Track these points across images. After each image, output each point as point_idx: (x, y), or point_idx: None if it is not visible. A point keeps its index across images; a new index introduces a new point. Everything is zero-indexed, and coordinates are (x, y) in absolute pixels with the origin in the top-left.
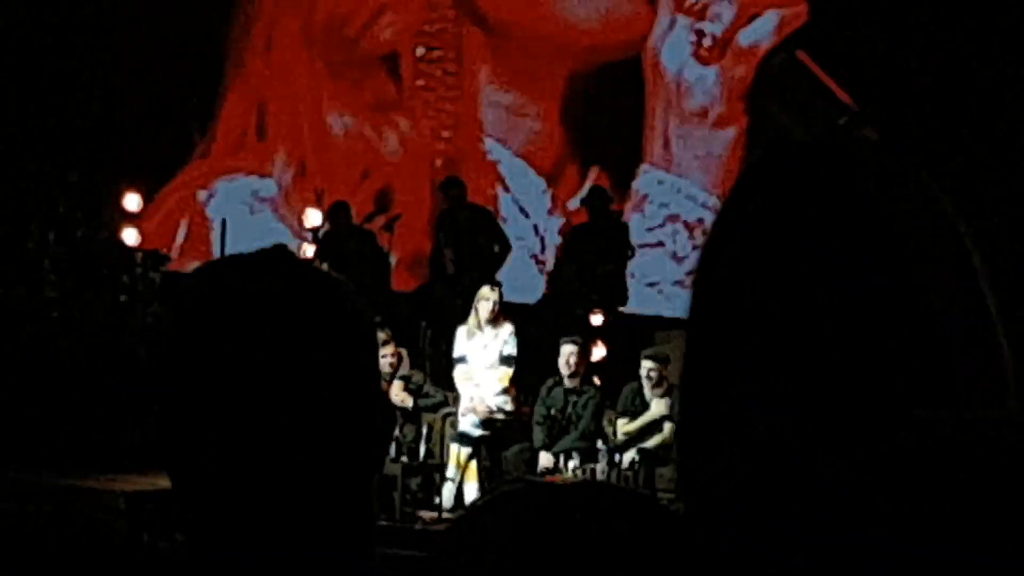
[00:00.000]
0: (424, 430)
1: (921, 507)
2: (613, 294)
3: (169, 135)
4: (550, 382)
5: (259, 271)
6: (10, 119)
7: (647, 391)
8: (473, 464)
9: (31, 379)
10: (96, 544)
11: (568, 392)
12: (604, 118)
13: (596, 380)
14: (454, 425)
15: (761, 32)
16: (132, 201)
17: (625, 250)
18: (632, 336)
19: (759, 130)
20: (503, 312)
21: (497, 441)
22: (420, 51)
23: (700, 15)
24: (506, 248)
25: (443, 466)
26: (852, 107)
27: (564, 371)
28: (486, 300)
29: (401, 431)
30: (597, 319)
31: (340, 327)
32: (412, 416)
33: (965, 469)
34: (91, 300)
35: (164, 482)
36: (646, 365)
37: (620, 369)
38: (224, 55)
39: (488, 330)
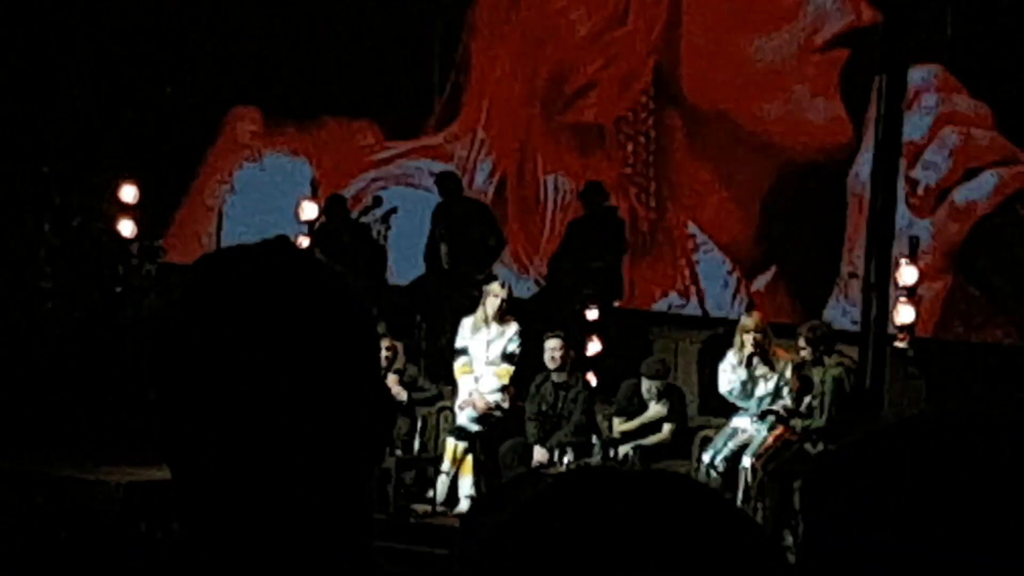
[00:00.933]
0: (419, 424)
1: (919, 507)
2: (609, 288)
3: (176, 128)
4: (539, 378)
5: (260, 262)
6: (6, 109)
7: (645, 391)
8: (469, 459)
9: (25, 369)
10: (92, 534)
11: (557, 387)
12: (802, 228)
13: (591, 375)
14: (448, 419)
15: (980, 192)
16: (128, 192)
17: (621, 244)
18: (627, 331)
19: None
20: (510, 310)
21: (493, 436)
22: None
23: (911, 157)
24: (501, 242)
25: (437, 460)
26: None
27: (551, 365)
28: (495, 297)
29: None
30: (592, 313)
31: (341, 319)
32: (407, 410)
33: (963, 468)
34: (85, 291)
35: (161, 473)
36: (646, 385)
37: (615, 363)
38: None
39: (494, 326)
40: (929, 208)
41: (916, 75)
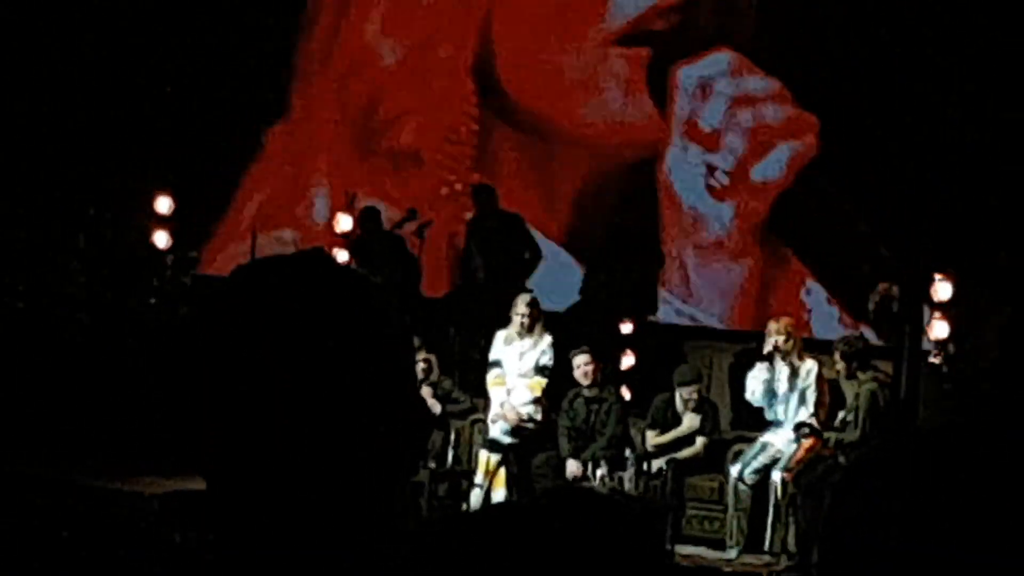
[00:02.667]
0: (452, 436)
1: (933, 510)
2: (642, 303)
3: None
4: (571, 394)
5: (297, 273)
6: (42, 121)
7: (679, 404)
8: (502, 471)
9: (59, 379)
10: (128, 545)
11: (589, 401)
12: (627, 224)
13: (625, 389)
14: (482, 432)
15: (774, 168)
16: (163, 204)
17: (655, 259)
18: (661, 345)
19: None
20: (544, 323)
21: (526, 449)
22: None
23: (712, 145)
24: (536, 255)
25: (471, 472)
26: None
27: (583, 381)
28: (517, 314)
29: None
30: (626, 328)
31: (378, 331)
32: (440, 422)
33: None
34: (119, 301)
35: (195, 484)
36: (682, 393)
37: (649, 377)
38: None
39: (527, 338)
40: (731, 191)
41: (709, 62)
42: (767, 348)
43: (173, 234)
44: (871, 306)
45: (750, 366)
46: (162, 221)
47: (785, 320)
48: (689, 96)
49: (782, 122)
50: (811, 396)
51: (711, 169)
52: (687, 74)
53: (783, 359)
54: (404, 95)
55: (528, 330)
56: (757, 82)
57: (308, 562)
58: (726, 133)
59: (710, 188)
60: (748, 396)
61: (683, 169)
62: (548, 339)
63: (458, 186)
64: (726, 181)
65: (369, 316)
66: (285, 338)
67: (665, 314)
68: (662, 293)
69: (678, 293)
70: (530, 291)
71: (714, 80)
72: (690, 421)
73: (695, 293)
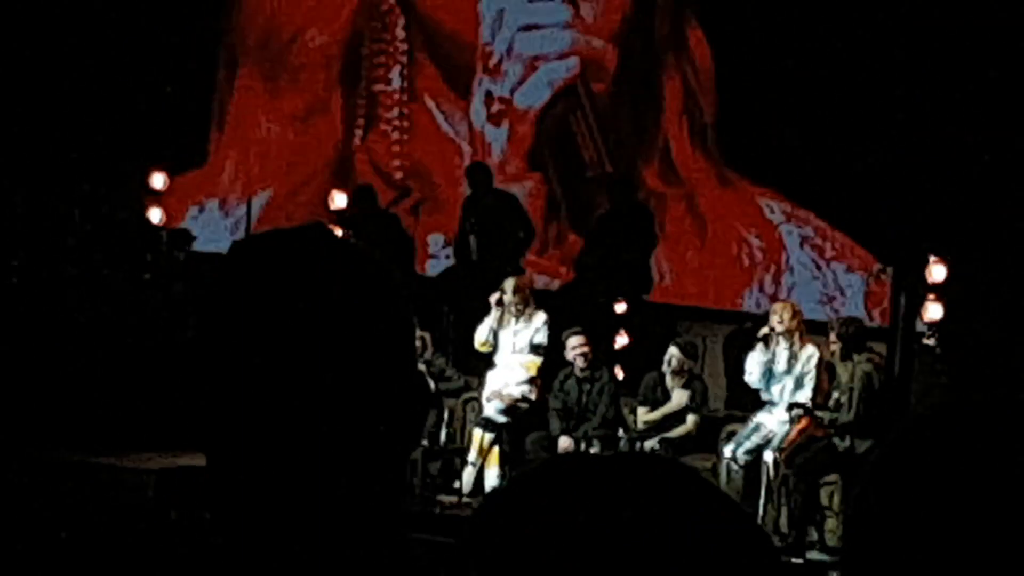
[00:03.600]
0: (445, 415)
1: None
2: (636, 282)
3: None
4: (562, 374)
5: (298, 247)
6: (37, 97)
7: (668, 380)
8: (495, 450)
9: (53, 357)
10: (123, 522)
11: (581, 381)
12: None
13: (619, 369)
14: (475, 410)
15: (534, 94)
16: (158, 180)
17: (650, 238)
18: (655, 325)
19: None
20: (536, 302)
21: (519, 427)
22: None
23: (495, 73)
24: (531, 234)
25: (464, 451)
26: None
27: (581, 363)
28: (504, 297)
29: None
30: (620, 307)
31: (379, 305)
32: (434, 401)
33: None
34: (114, 278)
35: (193, 460)
36: (672, 352)
37: (643, 358)
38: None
39: (521, 319)
40: (502, 117)
41: None
42: (764, 330)
43: (167, 210)
44: (865, 289)
45: (743, 346)
46: (157, 197)
47: (788, 303)
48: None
49: (553, 46)
50: (809, 382)
51: (488, 96)
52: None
53: (784, 341)
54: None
55: (517, 314)
56: (542, 7)
57: (308, 543)
58: (509, 60)
59: (488, 116)
60: (746, 377)
61: (476, 98)
62: (542, 316)
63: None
64: (497, 106)
65: (370, 290)
66: (285, 313)
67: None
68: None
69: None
70: (523, 272)
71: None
72: (679, 397)
73: None
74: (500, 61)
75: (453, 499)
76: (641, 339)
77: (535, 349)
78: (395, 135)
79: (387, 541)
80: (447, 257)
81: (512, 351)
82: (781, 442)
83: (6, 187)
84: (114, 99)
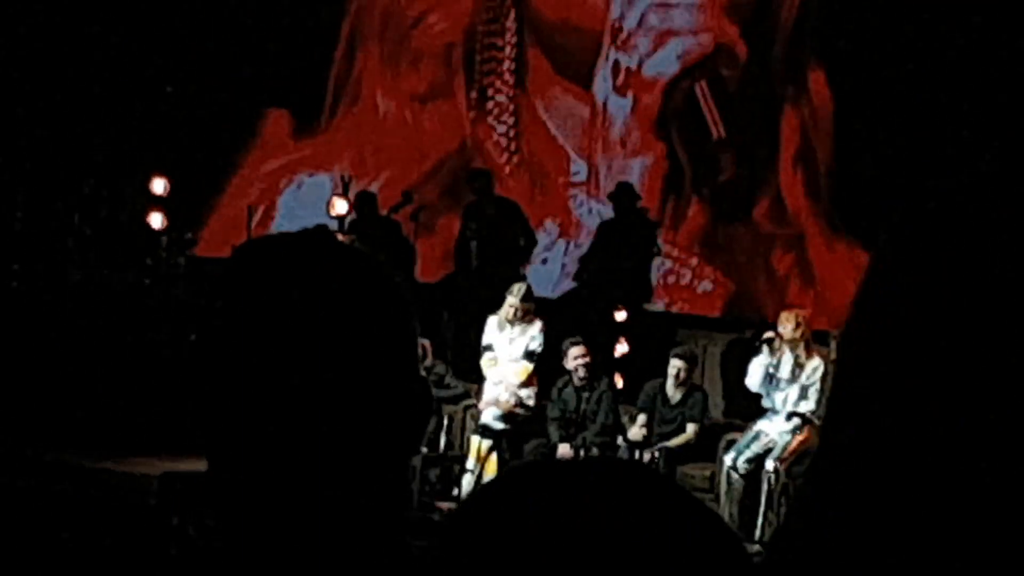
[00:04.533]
0: (444, 421)
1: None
2: (637, 291)
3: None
4: (560, 383)
5: (302, 251)
6: (39, 101)
7: (670, 390)
8: (493, 456)
9: (54, 360)
10: (125, 526)
11: (579, 389)
12: None
13: (619, 377)
14: (475, 417)
15: (663, 65)
16: (159, 185)
17: (651, 247)
18: (655, 333)
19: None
20: (534, 309)
21: (517, 435)
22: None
23: (624, 47)
24: (532, 242)
25: (463, 457)
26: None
27: (582, 373)
28: (509, 306)
29: None
30: (620, 315)
31: (383, 309)
32: (433, 407)
33: None
34: (114, 281)
35: (196, 464)
36: (675, 364)
37: (642, 366)
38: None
39: (518, 325)
40: (629, 87)
41: None
42: (768, 334)
43: (168, 215)
44: None
45: (743, 355)
46: (157, 202)
47: (797, 312)
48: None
49: (681, 20)
50: (814, 394)
51: (616, 66)
52: None
53: (790, 350)
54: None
55: (516, 321)
56: None
57: (309, 548)
58: (637, 34)
59: (615, 87)
60: (747, 380)
61: (603, 71)
62: (538, 324)
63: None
64: (624, 75)
65: (374, 296)
66: (289, 317)
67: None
68: (573, 192)
69: (590, 191)
70: (524, 279)
71: None
72: (691, 431)
73: (603, 190)
74: (630, 36)
75: (451, 506)
76: (641, 347)
77: (528, 355)
78: (502, 128)
79: (388, 547)
80: (549, 248)
81: (509, 359)
82: (782, 451)
83: (7, 190)
84: (117, 102)
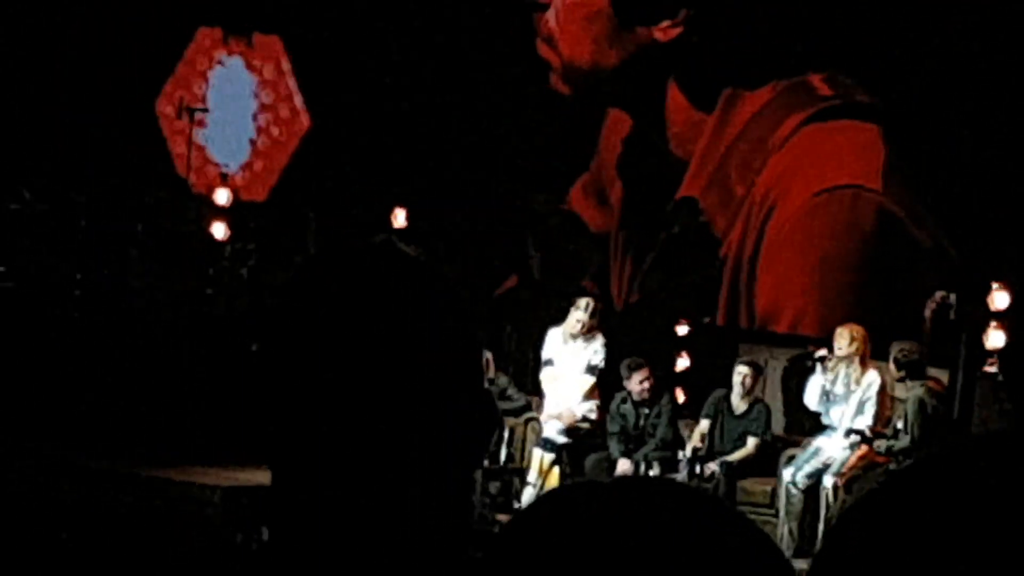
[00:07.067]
0: (506, 434)
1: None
2: (700, 305)
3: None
4: (618, 398)
5: (368, 264)
6: (103, 112)
7: (736, 399)
8: (555, 470)
9: (116, 369)
10: (187, 539)
11: (638, 405)
12: None
13: (680, 391)
14: (536, 430)
15: None
16: (222, 196)
17: (713, 261)
18: (716, 348)
19: None
20: (599, 324)
21: (579, 448)
22: None
23: None
24: (593, 255)
25: (524, 471)
26: None
27: (644, 396)
28: (576, 320)
29: None
30: (683, 329)
31: (450, 324)
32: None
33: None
34: (177, 291)
35: (253, 475)
36: (740, 370)
37: (703, 381)
38: None
39: (580, 339)
40: None
41: None
42: (820, 352)
43: (231, 226)
44: (927, 313)
45: (805, 371)
46: (220, 212)
47: (852, 327)
48: None
49: None
50: (870, 408)
51: None
52: None
53: (844, 366)
54: None
55: (581, 334)
56: None
57: (371, 562)
58: None
59: None
60: (805, 399)
61: None
62: (600, 339)
63: None
64: None
65: (439, 308)
66: (354, 329)
67: None
68: None
69: None
70: (592, 294)
71: None
72: (751, 445)
73: None
74: None
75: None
76: (702, 362)
77: (590, 370)
78: None
79: (451, 561)
80: None
81: (571, 373)
82: (841, 467)
83: (70, 199)
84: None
